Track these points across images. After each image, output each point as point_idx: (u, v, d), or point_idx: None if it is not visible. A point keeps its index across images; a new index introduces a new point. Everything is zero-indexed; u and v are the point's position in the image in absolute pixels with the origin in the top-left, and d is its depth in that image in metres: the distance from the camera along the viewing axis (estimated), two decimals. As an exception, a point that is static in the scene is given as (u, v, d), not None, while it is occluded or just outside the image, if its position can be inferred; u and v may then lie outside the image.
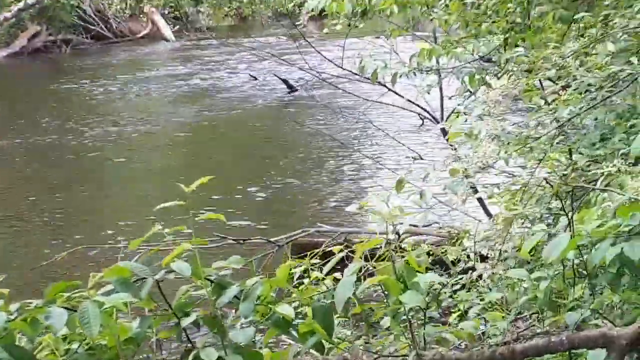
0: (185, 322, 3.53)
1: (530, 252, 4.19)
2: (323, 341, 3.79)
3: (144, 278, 3.56)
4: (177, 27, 30.50)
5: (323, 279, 5.76)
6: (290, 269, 4.14)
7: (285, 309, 3.64)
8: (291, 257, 11.09)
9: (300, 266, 8.14)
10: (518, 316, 5.39)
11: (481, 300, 5.92)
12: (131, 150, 16.81)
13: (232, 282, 3.72)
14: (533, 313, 5.02)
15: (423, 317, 3.74)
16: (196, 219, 3.66)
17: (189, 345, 3.61)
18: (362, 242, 9.96)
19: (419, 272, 3.76)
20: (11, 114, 19.42)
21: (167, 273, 3.61)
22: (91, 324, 3.18)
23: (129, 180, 15.07)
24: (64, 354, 3.55)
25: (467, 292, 6.35)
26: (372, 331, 4.33)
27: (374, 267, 3.93)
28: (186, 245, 3.61)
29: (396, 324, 3.83)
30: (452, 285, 6.35)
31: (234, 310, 3.69)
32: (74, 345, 3.55)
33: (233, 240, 10.18)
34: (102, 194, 13.89)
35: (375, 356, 3.79)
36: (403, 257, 4.16)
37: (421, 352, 3.55)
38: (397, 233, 4.35)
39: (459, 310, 6.58)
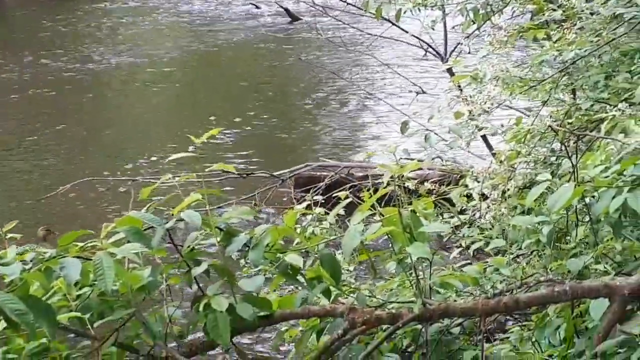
0: (197, 270, 3.59)
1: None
2: (330, 287, 3.87)
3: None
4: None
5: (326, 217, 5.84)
6: (296, 215, 4.18)
7: (293, 258, 3.70)
8: (294, 191, 11.18)
9: (304, 202, 8.23)
10: (520, 256, 5.47)
11: (484, 237, 6.00)
12: (132, 82, 16.77)
13: (241, 231, 3.78)
14: (533, 254, 5.09)
15: (429, 266, 3.80)
16: (207, 170, 3.70)
17: (200, 293, 3.68)
18: (365, 176, 9.95)
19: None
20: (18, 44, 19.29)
21: (177, 222, 3.66)
22: (105, 276, 3.24)
23: (129, 115, 15.06)
24: (75, 299, 3.61)
25: (469, 227, 6.44)
26: (379, 278, 4.41)
27: (382, 215, 3.96)
28: (196, 195, 3.65)
29: (402, 272, 3.89)
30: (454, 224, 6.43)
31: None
32: (86, 290, 3.62)
33: (237, 174, 10.24)
34: (102, 129, 13.87)
35: (381, 303, 3.86)
36: (410, 202, 4.21)
37: (426, 301, 3.61)
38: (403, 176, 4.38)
39: (460, 246, 6.67)
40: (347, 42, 14.15)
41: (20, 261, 3.32)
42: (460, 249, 6.70)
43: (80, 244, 3.49)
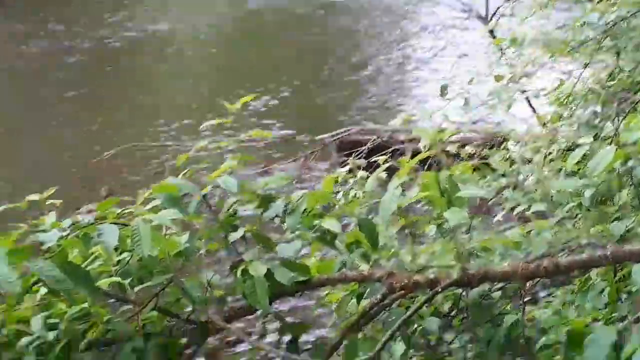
0: (234, 236, 3.59)
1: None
2: (369, 252, 3.85)
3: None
4: None
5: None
6: (336, 179, 4.15)
7: (330, 224, 3.69)
8: (337, 155, 11.17)
9: (346, 165, 8.20)
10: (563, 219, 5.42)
11: (528, 200, 5.94)
12: (167, 49, 16.78)
13: (278, 196, 3.77)
14: (577, 217, 5.03)
15: (468, 230, 3.76)
16: (241, 136, 3.69)
17: (238, 258, 3.68)
18: (409, 140, 9.86)
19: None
20: (38, 17, 19.32)
21: (213, 188, 3.66)
22: (142, 243, 3.24)
23: (167, 83, 15.08)
24: (115, 265, 3.63)
25: (512, 190, 6.38)
26: (418, 243, 4.37)
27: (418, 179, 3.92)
28: (231, 162, 3.64)
29: (441, 237, 3.86)
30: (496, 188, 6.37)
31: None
32: (125, 255, 3.63)
33: (278, 138, 10.25)
34: (140, 96, 13.91)
35: (420, 268, 3.83)
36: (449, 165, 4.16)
37: (465, 265, 3.58)
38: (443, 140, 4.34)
39: (503, 209, 6.62)
40: (388, 6, 14.07)
41: (59, 228, 3.34)
42: (504, 212, 6.66)
43: (119, 211, 3.50)
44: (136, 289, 3.59)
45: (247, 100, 3.62)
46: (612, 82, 5.56)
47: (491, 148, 7.36)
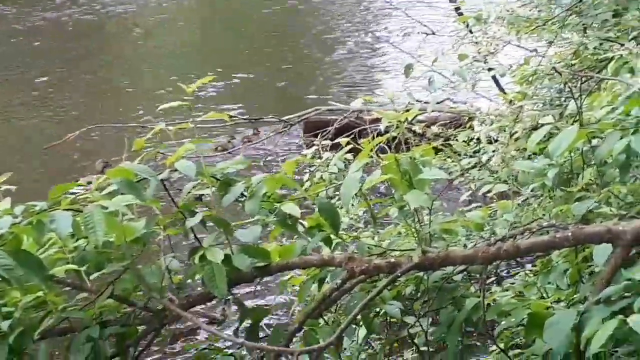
0: (192, 222, 3.54)
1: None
2: (330, 236, 3.81)
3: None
4: None
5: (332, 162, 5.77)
6: (297, 163, 4.10)
7: (290, 208, 3.64)
8: (304, 136, 11.11)
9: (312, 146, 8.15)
10: (526, 202, 5.40)
11: (494, 179, 5.92)
12: (146, 25, 16.64)
13: (237, 180, 3.71)
14: (540, 198, 5.01)
15: (430, 213, 3.72)
16: (199, 118, 3.62)
17: (197, 244, 3.62)
18: (374, 119, 9.83)
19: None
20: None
21: (171, 172, 3.60)
22: (96, 229, 3.18)
23: (145, 59, 14.95)
24: (72, 252, 3.56)
25: (478, 170, 6.36)
26: (380, 226, 4.34)
27: (381, 160, 3.87)
28: (190, 145, 3.58)
29: (403, 220, 3.82)
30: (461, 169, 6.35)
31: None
32: (81, 242, 3.56)
33: (244, 119, 10.17)
34: (119, 72, 13.79)
35: (381, 251, 3.80)
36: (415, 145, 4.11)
37: (426, 249, 3.55)
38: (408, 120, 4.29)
39: (469, 189, 6.59)
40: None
41: (11, 214, 3.26)
42: (469, 191, 6.64)
43: (72, 197, 3.43)
44: (92, 276, 3.53)
45: (205, 82, 3.56)
46: (575, 60, 5.54)
47: (457, 127, 7.34)
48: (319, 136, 9.30)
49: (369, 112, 10.39)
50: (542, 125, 5.31)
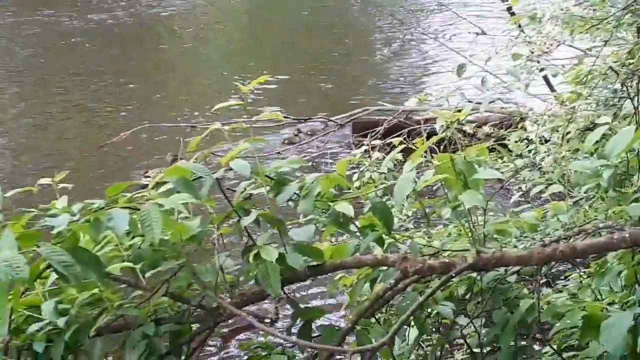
0: (246, 220, 3.55)
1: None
2: (383, 236, 3.80)
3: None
4: None
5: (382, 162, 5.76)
6: (350, 162, 4.09)
7: (344, 207, 3.64)
8: (352, 136, 11.11)
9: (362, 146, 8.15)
10: (581, 200, 5.35)
11: (545, 180, 5.88)
12: (188, 29, 16.73)
13: (291, 179, 3.71)
14: (594, 198, 4.97)
15: (483, 213, 3.71)
16: (254, 118, 3.64)
17: (251, 243, 3.63)
18: (425, 119, 9.79)
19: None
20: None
21: (226, 172, 3.61)
22: (153, 227, 3.20)
23: (182, 63, 15.03)
24: (127, 249, 3.59)
25: (529, 171, 6.32)
26: (433, 226, 4.32)
27: (432, 161, 3.86)
28: (245, 144, 3.60)
29: (456, 220, 3.80)
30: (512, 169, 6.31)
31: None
32: (137, 240, 3.59)
33: (294, 118, 10.18)
34: (161, 79, 13.89)
35: (435, 251, 3.79)
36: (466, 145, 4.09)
37: (480, 249, 3.53)
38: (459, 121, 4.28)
39: (520, 190, 6.55)
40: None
41: (69, 212, 3.30)
42: (520, 192, 6.59)
43: (129, 195, 3.46)
44: (147, 274, 3.55)
45: (262, 81, 3.56)
46: (631, 60, 5.47)
47: (508, 128, 7.29)
48: (368, 136, 9.32)
49: (419, 112, 10.37)
50: (597, 125, 5.28)
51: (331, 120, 10.26)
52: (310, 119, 10.25)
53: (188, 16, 17.42)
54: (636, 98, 4.35)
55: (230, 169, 3.58)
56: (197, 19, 17.15)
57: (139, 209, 3.37)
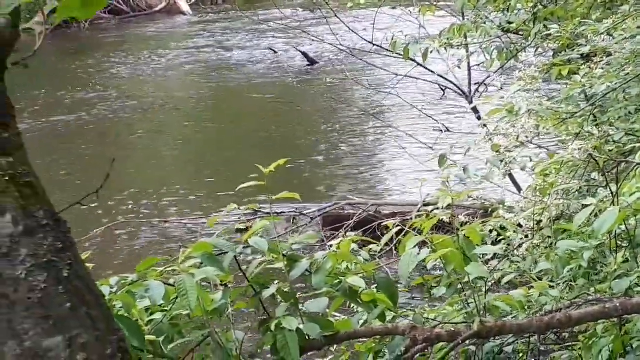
0: (267, 293, 3.80)
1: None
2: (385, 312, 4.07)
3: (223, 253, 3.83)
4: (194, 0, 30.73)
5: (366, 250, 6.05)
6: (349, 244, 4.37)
7: (355, 281, 3.91)
8: (322, 229, 11.39)
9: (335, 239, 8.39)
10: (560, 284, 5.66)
11: (517, 269, 6.19)
12: (153, 125, 17.05)
13: (303, 256, 3.99)
14: (569, 282, 5.28)
15: (484, 286, 4.00)
16: (274, 197, 3.92)
17: (266, 315, 3.88)
18: (392, 213, 10.09)
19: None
20: (34, 92, 19.50)
21: (245, 248, 3.88)
22: (189, 295, 3.45)
23: (152, 157, 15.31)
24: (146, 324, 3.82)
25: (505, 260, 6.63)
26: (427, 300, 4.59)
27: (432, 242, 4.16)
28: (264, 222, 3.87)
29: (456, 294, 4.09)
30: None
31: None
32: (157, 316, 3.82)
33: (265, 213, 10.46)
34: (129, 171, 14.12)
35: (438, 323, 4.05)
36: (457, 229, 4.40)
37: (484, 319, 3.81)
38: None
39: (494, 279, 6.85)
40: (369, 83, 14.47)
41: (106, 285, 3.54)
42: (492, 281, 6.90)
43: (159, 269, 3.71)
44: (170, 346, 3.77)
45: (282, 164, 3.86)
46: (610, 148, 5.87)
47: (485, 217, 7.63)
48: (339, 230, 9.68)
49: (388, 206, 10.73)
50: (566, 214, 5.67)
51: (303, 214, 10.57)
52: (283, 213, 10.52)
53: (146, 114, 17.78)
54: (613, 183, 4.71)
55: (249, 246, 3.86)
56: (152, 118, 17.55)
57: (167, 283, 3.62)
